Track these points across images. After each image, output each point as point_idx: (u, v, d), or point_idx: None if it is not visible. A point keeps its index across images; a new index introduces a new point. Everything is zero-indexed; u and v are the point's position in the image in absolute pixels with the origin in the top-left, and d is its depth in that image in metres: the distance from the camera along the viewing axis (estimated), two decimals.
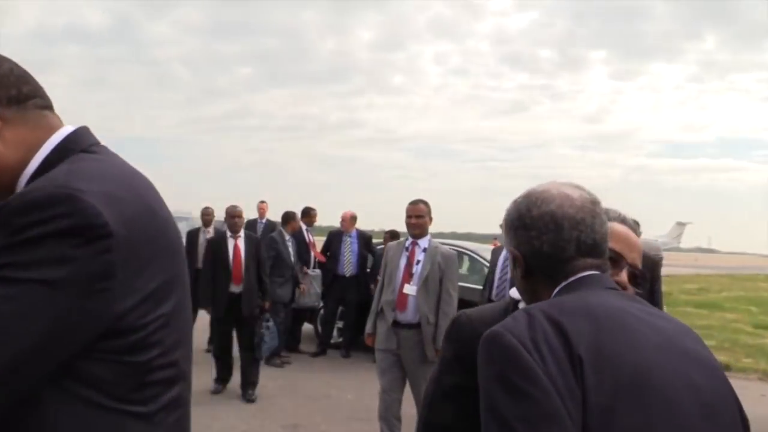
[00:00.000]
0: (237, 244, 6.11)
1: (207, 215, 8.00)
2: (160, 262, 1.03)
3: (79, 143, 1.07)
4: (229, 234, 6.16)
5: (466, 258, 8.17)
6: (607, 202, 1.25)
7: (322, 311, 8.35)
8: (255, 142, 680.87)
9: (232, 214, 6.16)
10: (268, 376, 6.44)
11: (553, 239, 1.11)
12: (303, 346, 8.24)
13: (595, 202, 1.15)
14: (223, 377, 6.18)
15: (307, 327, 8.54)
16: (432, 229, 4.59)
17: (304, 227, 8.25)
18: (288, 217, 7.78)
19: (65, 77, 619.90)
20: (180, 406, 1.09)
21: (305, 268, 7.98)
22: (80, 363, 0.95)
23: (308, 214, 8.50)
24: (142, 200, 1.03)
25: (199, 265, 7.43)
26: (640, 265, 1.40)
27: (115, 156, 1.11)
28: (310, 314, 8.34)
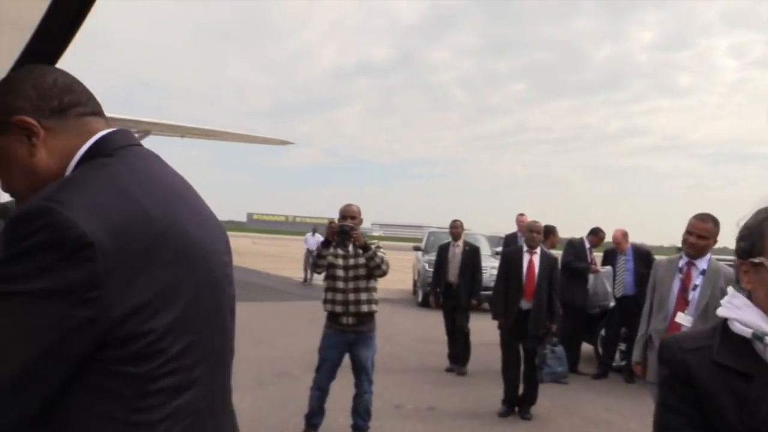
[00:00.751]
0: (532, 260, 6.05)
1: (455, 228, 8.12)
2: (160, 268, 1.01)
3: (103, 148, 1.10)
4: (525, 249, 6.12)
5: None
6: None
7: (603, 332, 8.09)
8: (530, 156, 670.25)
9: (532, 229, 6.12)
10: (546, 394, 6.43)
11: None
12: (582, 367, 8.05)
13: None
14: (509, 399, 6.09)
15: (586, 347, 8.33)
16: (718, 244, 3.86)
17: (587, 245, 8.14)
18: (548, 231, 7.50)
19: (358, 107, 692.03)
20: (190, 414, 1.07)
21: (594, 266, 7.93)
22: (86, 375, 0.97)
23: (596, 234, 8.30)
24: (136, 207, 1.01)
25: (450, 278, 7.92)
26: None
27: (135, 160, 1.11)
28: (599, 317, 8.09)
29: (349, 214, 4.85)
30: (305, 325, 10.76)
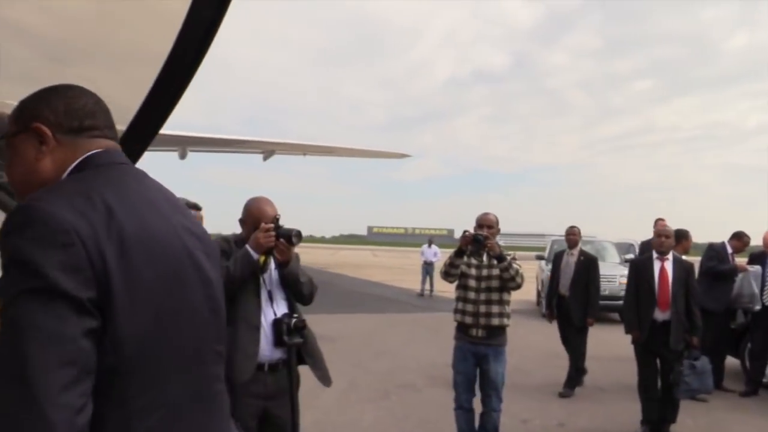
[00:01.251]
0: (664, 267, 5.60)
1: (572, 235, 7.63)
2: (131, 269, 1.11)
3: (91, 163, 1.24)
4: (655, 256, 5.70)
5: None
6: None
7: (749, 345, 7.38)
8: (658, 157, 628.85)
9: (661, 234, 5.72)
10: (688, 413, 5.97)
11: None
12: (727, 383, 7.39)
13: None
14: (650, 418, 5.61)
15: (732, 362, 7.64)
16: None
17: (729, 249, 7.47)
18: (679, 235, 6.74)
19: (475, 117, 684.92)
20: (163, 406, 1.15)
21: (742, 265, 7.28)
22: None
23: (740, 238, 7.56)
24: (109, 214, 1.12)
25: (561, 290, 7.37)
26: None
27: (111, 173, 1.23)
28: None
29: (485, 223, 4.67)
30: (427, 336, 10.77)
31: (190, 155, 26.16)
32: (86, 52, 1.97)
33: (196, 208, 2.59)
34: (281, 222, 3.06)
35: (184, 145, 24.97)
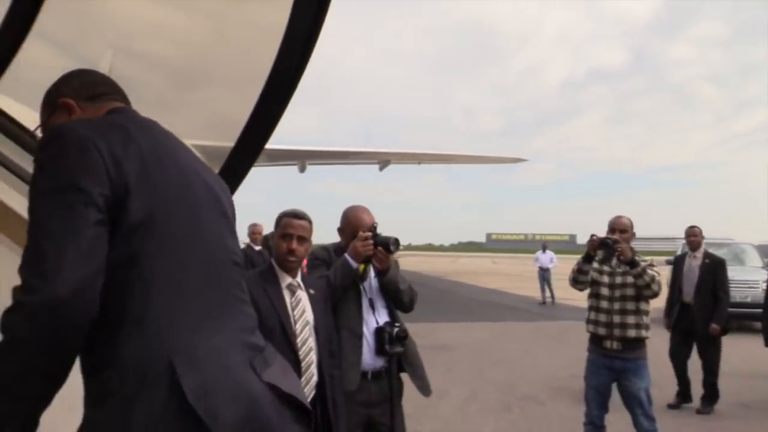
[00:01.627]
0: None
1: (693, 236, 6.81)
2: (149, 183, 1.32)
3: (110, 113, 1.49)
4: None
5: None
6: None
7: None
8: None
9: None
10: None
11: None
12: None
13: None
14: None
15: None
16: None
17: None
18: None
19: (593, 117, 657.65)
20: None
21: None
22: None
23: None
24: (126, 133, 1.34)
25: (685, 297, 6.64)
26: None
27: (129, 115, 1.50)
28: None
29: (618, 227, 4.34)
30: (549, 346, 10.38)
31: (309, 168, 27.20)
32: (204, 75, 2.07)
33: (304, 218, 2.65)
34: (379, 230, 3.06)
35: (303, 159, 26.01)
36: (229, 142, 1.89)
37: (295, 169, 27.02)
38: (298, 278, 2.71)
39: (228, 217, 1.53)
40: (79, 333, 1.18)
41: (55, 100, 1.51)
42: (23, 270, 1.17)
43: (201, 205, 1.43)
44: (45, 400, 1.19)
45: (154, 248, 1.29)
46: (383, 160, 28.07)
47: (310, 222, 2.74)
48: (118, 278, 1.24)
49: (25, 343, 1.13)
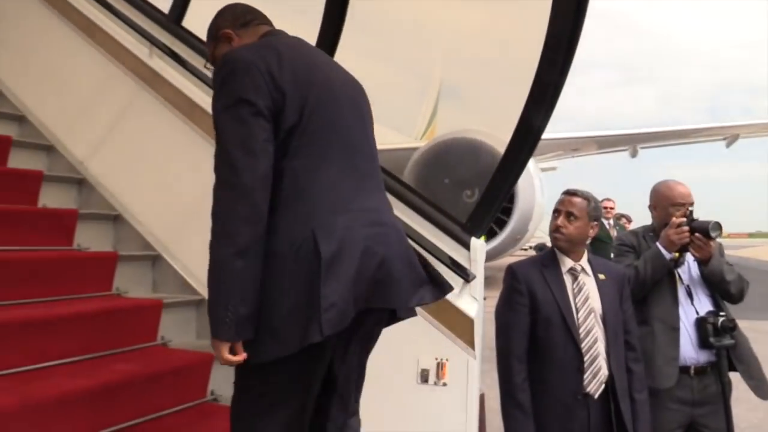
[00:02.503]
0: None
1: None
2: (299, 92, 1.65)
3: (264, 36, 1.82)
4: None
5: None
6: None
7: None
8: None
9: None
10: None
11: None
12: None
13: None
14: None
15: None
16: None
17: None
18: None
19: None
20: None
21: None
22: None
23: None
24: (278, 54, 1.67)
25: None
26: None
27: (280, 37, 1.82)
28: None
29: None
30: None
31: (641, 152, 25.67)
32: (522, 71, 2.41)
33: (576, 194, 2.52)
34: (695, 214, 2.71)
35: (634, 143, 24.69)
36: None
37: (625, 155, 25.82)
38: (583, 261, 2.50)
39: (365, 118, 1.83)
40: (263, 211, 1.58)
41: (216, 33, 1.89)
42: (219, 168, 1.60)
43: (342, 107, 1.74)
44: (251, 270, 1.57)
45: (303, 144, 1.65)
46: (731, 136, 24.91)
47: (586, 199, 2.51)
48: (278, 169, 1.62)
49: (231, 222, 1.55)
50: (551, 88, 2.05)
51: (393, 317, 1.79)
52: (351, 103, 1.79)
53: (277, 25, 1.89)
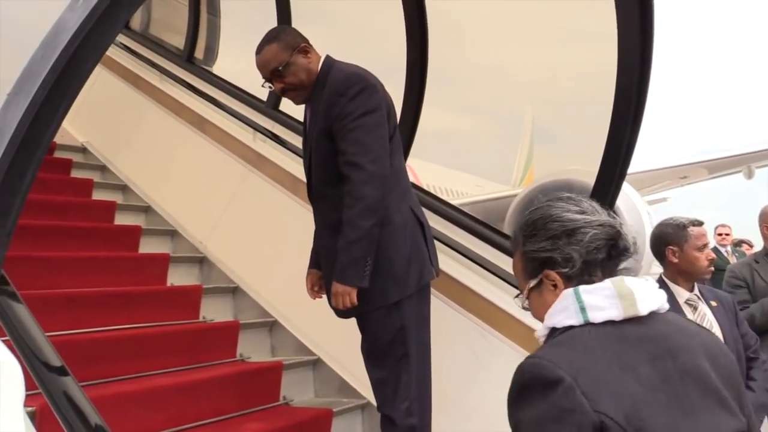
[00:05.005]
0: None
1: None
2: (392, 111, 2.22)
3: (326, 61, 2.21)
4: None
5: None
6: None
7: None
8: None
9: None
10: None
11: None
12: None
13: None
14: None
15: None
16: None
17: None
18: None
19: None
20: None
21: None
22: None
23: None
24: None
25: None
26: None
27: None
28: None
29: None
30: None
31: (758, 172, 23.95)
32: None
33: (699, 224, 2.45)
34: None
35: (747, 162, 23.12)
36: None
37: (739, 177, 24.18)
38: (696, 290, 2.45)
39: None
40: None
41: (296, 45, 2.21)
42: (362, 159, 2.06)
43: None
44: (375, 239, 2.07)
45: (393, 149, 2.20)
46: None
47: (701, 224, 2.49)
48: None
49: (373, 201, 2.04)
50: (631, 113, 2.20)
51: None
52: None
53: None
